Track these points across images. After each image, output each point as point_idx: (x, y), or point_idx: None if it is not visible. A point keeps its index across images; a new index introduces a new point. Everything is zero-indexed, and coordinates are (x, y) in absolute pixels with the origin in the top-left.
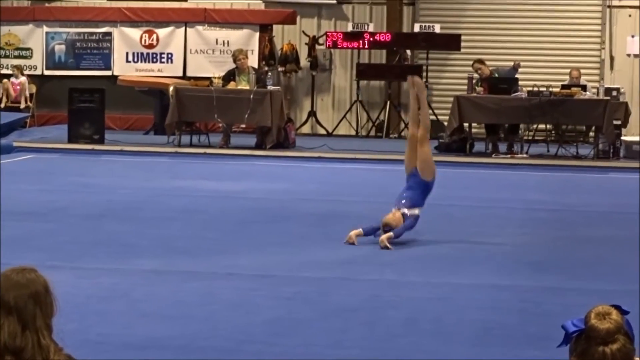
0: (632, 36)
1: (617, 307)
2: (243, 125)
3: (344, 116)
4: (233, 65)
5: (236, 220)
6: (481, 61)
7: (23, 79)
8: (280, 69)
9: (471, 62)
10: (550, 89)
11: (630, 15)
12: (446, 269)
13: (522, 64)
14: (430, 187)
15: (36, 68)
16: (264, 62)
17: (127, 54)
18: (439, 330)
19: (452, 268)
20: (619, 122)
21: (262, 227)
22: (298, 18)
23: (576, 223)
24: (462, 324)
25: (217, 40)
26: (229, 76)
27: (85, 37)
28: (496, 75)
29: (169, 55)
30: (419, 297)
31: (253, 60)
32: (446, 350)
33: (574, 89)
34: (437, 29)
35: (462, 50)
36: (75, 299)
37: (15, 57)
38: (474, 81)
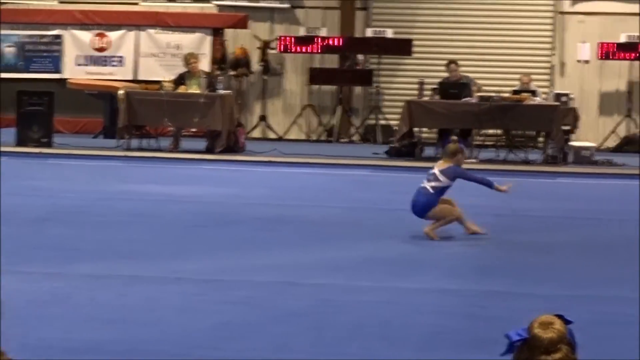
0: (583, 42)
1: (561, 317)
2: (193, 129)
3: (295, 120)
4: (184, 69)
5: (185, 224)
6: (455, 63)
7: None
8: (231, 73)
9: (422, 67)
10: (501, 94)
11: (580, 22)
12: (394, 273)
13: (473, 69)
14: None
15: None
16: (215, 66)
17: (77, 57)
18: (387, 334)
19: (401, 272)
20: (568, 128)
21: (211, 231)
22: (250, 22)
23: (524, 228)
24: (409, 329)
25: (168, 43)
26: (180, 80)
27: (36, 40)
28: (465, 82)
29: (120, 59)
30: (367, 301)
31: (205, 64)
32: (394, 355)
33: (523, 95)
34: (390, 33)
35: (414, 55)
36: (16, 303)
37: None
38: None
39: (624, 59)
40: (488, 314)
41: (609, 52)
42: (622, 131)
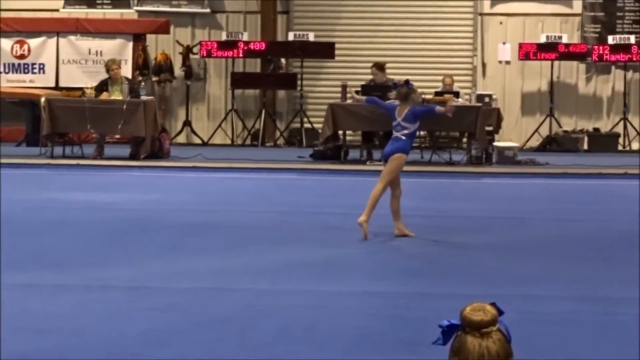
0: (504, 43)
1: (493, 304)
2: (117, 136)
3: (220, 125)
4: (106, 76)
5: (109, 231)
6: (380, 66)
7: None
8: (154, 78)
9: (346, 70)
10: (423, 96)
11: (501, 23)
12: (320, 276)
13: (396, 71)
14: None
15: None
16: (137, 72)
17: None
18: (313, 338)
19: (326, 276)
20: (491, 128)
21: (136, 238)
22: (172, 27)
23: (449, 229)
24: (335, 331)
25: (90, 50)
26: (102, 86)
27: None
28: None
29: (41, 66)
30: (292, 305)
31: (127, 70)
32: (320, 358)
33: (446, 96)
34: (312, 37)
35: (337, 58)
36: None
37: None
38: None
39: (545, 59)
40: (413, 316)
41: (529, 52)
42: (544, 130)
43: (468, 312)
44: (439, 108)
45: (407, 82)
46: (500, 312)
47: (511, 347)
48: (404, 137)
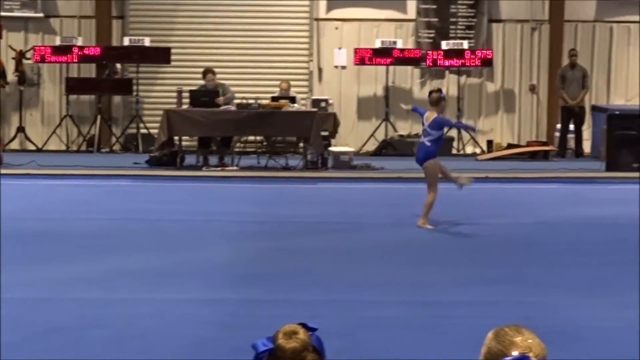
0: (339, 48)
1: (304, 325)
2: None
3: (54, 131)
4: None
5: None
6: (209, 72)
7: None
8: None
9: (182, 75)
10: (259, 102)
11: (337, 28)
12: (154, 284)
13: (233, 76)
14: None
15: None
16: None
17: None
18: (146, 347)
19: (160, 284)
20: (327, 133)
21: None
22: (4, 32)
23: (285, 234)
24: (169, 340)
25: None
26: None
27: None
28: (221, 90)
29: None
30: (126, 314)
31: None
32: None
33: (282, 101)
34: (147, 42)
35: (173, 63)
36: None
37: None
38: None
39: (380, 64)
40: (246, 322)
41: (365, 57)
42: (380, 135)
43: (281, 340)
44: (480, 129)
45: (439, 90)
46: (312, 330)
47: (325, 358)
48: (429, 143)
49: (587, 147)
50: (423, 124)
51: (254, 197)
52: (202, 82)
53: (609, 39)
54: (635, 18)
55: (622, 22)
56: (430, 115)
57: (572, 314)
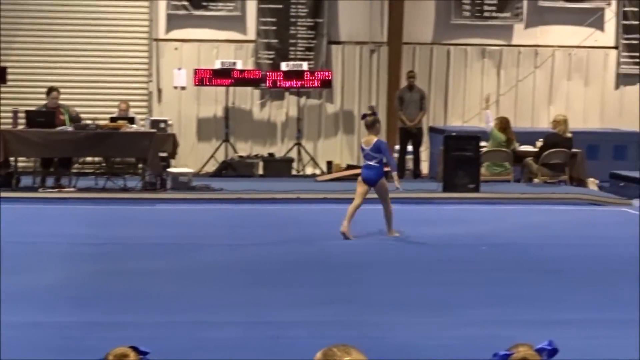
0: (179, 69)
1: (135, 348)
2: None
3: None
4: None
5: None
6: (56, 89)
7: None
8: None
9: (19, 95)
10: (97, 122)
11: (176, 49)
12: None
13: (74, 96)
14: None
15: None
16: None
17: None
18: None
19: None
20: (166, 154)
21: None
22: None
23: (122, 256)
24: None
25: None
26: None
27: None
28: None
29: None
30: None
31: None
32: None
33: (120, 122)
34: None
35: (9, 83)
36: None
37: None
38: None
39: (220, 84)
40: (81, 346)
41: (205, 78)
42: (221, 156)
43: None
44: (396, 177)
45: (373, 112)
46: (143, 353)
47: None
48: (377, 164)
49: (425, 168)
50: (363, 149)
51: (91, 219)
52: (42, 102)
53: (446, 62)
54: (472, 41)
55: (459, 45)
56: (370, 139)
57: (410, 332)
